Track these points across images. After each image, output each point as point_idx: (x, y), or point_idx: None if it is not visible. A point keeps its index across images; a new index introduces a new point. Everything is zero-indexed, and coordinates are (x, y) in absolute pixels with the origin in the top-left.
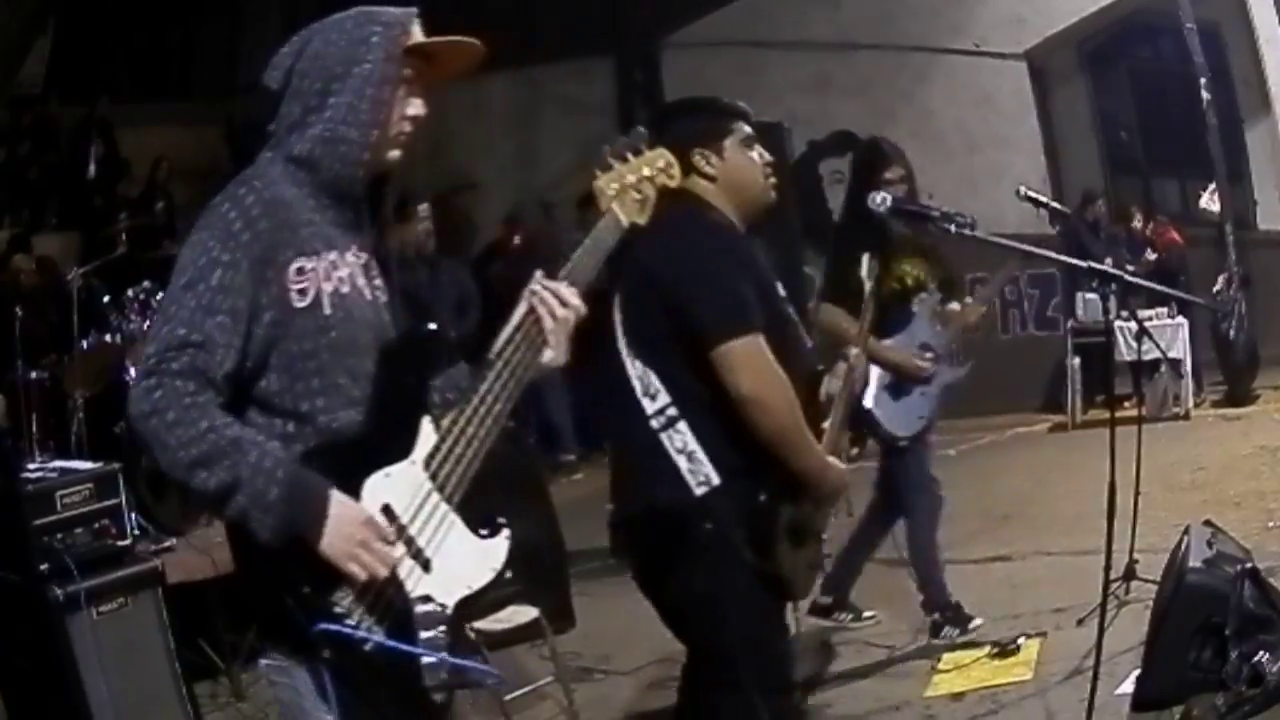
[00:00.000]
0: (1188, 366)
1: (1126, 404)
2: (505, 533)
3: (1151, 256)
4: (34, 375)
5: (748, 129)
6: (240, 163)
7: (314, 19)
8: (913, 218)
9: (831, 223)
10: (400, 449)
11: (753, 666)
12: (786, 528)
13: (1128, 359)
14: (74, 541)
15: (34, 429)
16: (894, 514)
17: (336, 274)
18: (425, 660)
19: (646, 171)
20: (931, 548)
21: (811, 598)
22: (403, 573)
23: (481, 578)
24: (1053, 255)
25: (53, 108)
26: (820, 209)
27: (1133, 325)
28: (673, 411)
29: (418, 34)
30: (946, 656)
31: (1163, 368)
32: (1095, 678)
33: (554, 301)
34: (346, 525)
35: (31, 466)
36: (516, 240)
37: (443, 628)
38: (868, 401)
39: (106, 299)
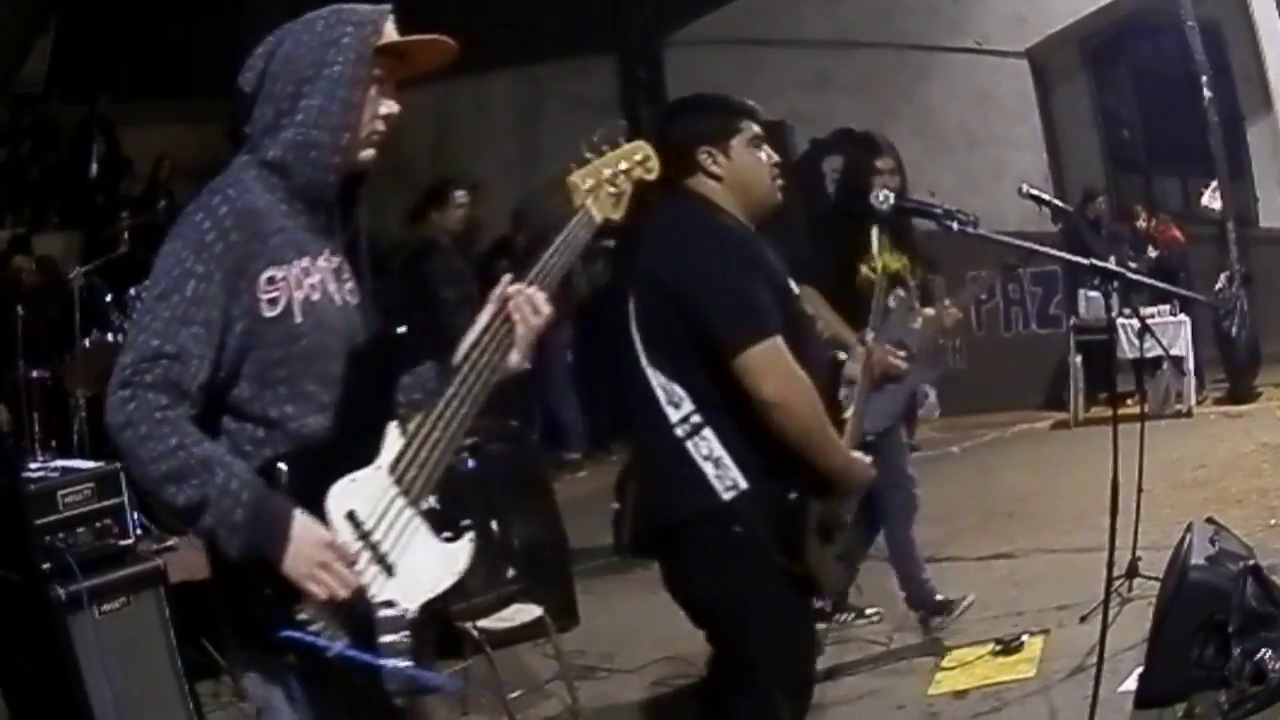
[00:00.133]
0: (1190, 364)
1: (1129, 401)
2: (469, 535)
3: (1153, 254)
4: (35, 374)
5: (756, 128)
6: None
7: None
8: (915, 215)
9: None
10: (366, 454)
11: (782, 669)
12: (815, 525)
13: (1130, 356)
14: (76, 541)
15: (36, 428)
16: (875, 512)
17: (307, 281)
18: (382, 668)
19: (623, 165)
20: (908, 544)
21: None
22: (366, 579)
23: (445, 581)
24: (1055, 253)
25: (54, 106)
26: (823, 207)
27: (1135, 323)
28: (697, 419)
29: (391, 32)
30: (950, 654)
31: (1165, 365)
32: (1098, 675)
33: (528, 309)
34: (309, 547)
35: (33, 466)
36: (521, 238)
37: (405, 632)
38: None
39: (108, 298)
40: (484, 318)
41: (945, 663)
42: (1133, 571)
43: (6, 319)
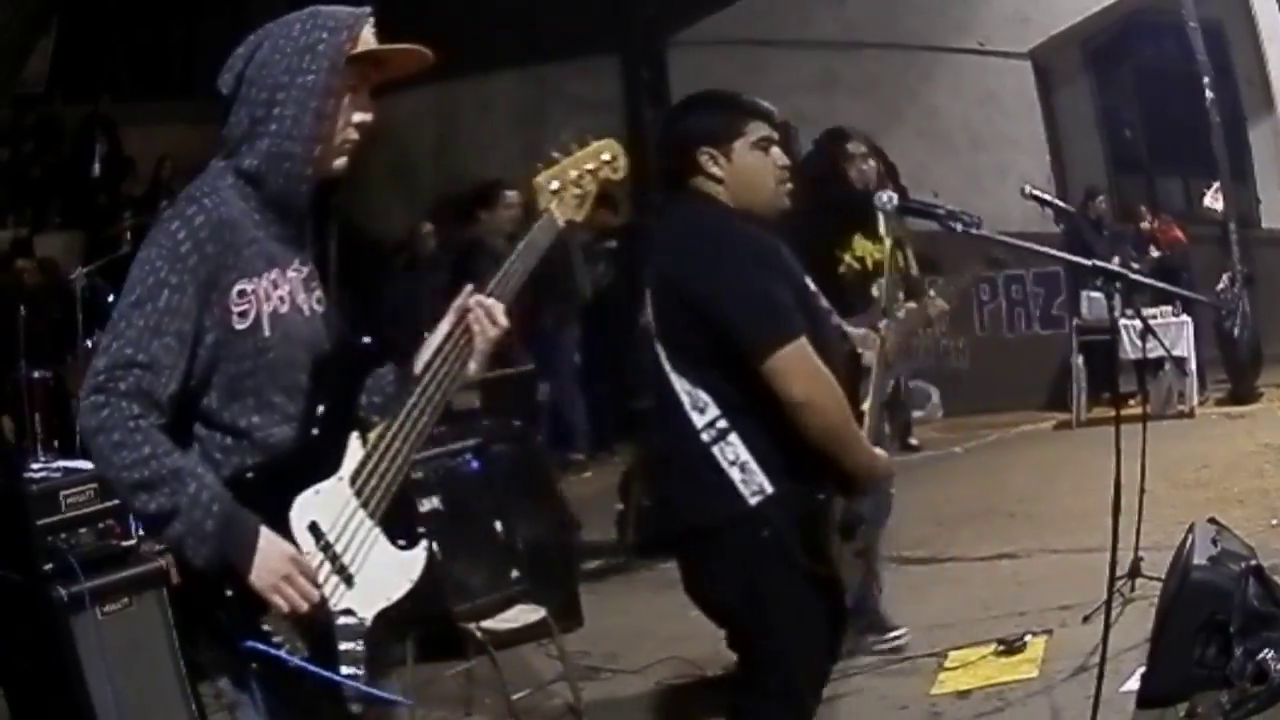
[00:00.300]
0: (1192, 364)
1: (1131, 402)
2: (423, 544)
3: (1156, 254)
4: (37, 375)
5: (764, 130)
6: None
7: None
8: (919, 216)
9: None
10: (329, 465)
11: (806, 671)
12: (838, 524)
13: (1132, 357)
14: (78, 541)
15: (38, 429)
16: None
17: (276, 293)
18: (339, 681)
19: (589, 166)
20: (875, 545)
21: None
22: (327, 589)
23: (399, 589)
24: (1058, 254)
25: (56, 107)
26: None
27: (1137, 323)
28: (723, 424)
29: (368, 38)
30: (953, 654)
31: (1167, 365)
32: (1101, 675)
33: (486, 321)
34: (273, 561)
35: (35, 466)
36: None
37: (361, 641)
38: None
39: (110, 298)
40: (444, 327)
41: (948, 663)
42: (1135, 572)
43: (9, 319)
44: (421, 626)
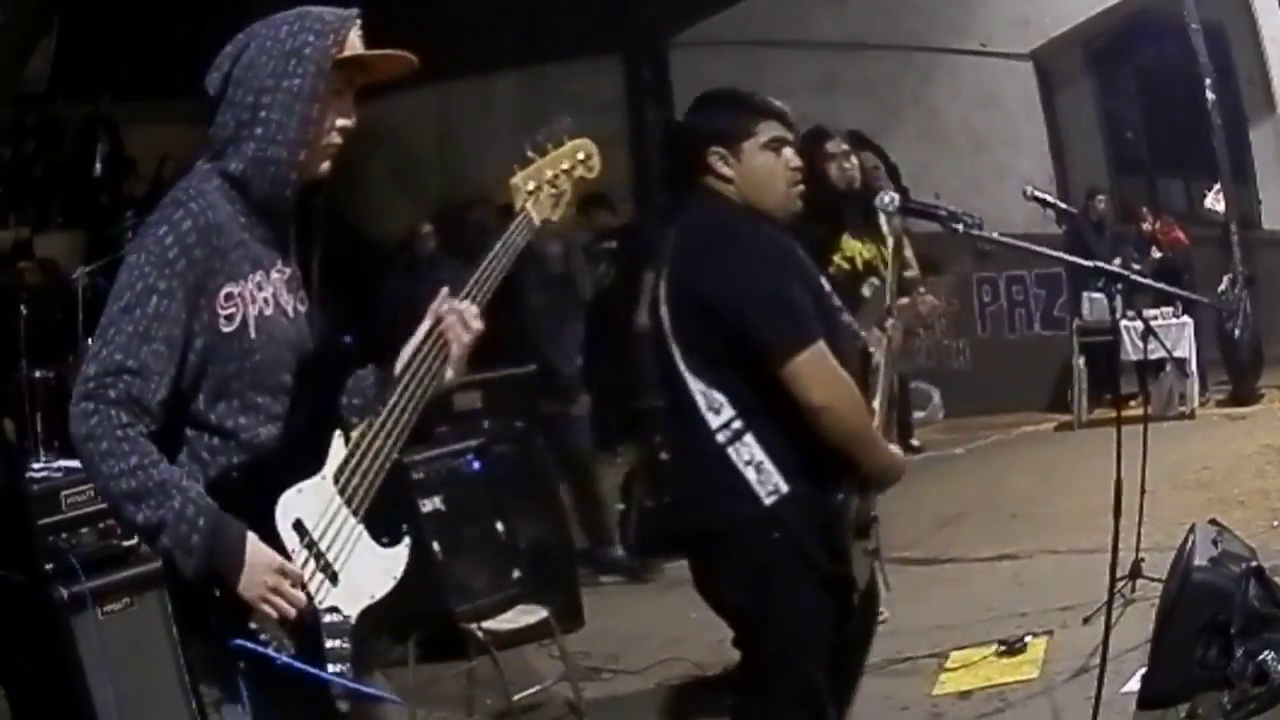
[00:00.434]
0: (1193, 365)
1: (1132, 403)
2: (406, 540)
3: (1157, 255)
4: (39, 375)
5: (777, 130)
6: None
7: None
8: (921, 217)
9: None
10: (313, 463)
11: (817, 672)
12: (853, 523)
13: (1133, 358)
14: (79, 541)
15: (39, 429)
16: None
17: (261, 295)
18: (326, 678)
19: (565, 165)
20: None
21: None
22: (312, 587)
23: (384, 586)
24: (1060, 255)
25: (57, 106)
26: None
27: (1138, 324)
28: (738, 424)
29: (354, 41)
30: (954, 655)
31: (1168, 367)
32: (1101, 676)
33: (459, 327)
34: (261, 572)
35: (36, 466)
36: None
37: (347, 638)
38: None
39: None
40: (421, 330)
41: (949, 663)
42: (1136, 573)
43: (10, 319)
44: (423, 627)
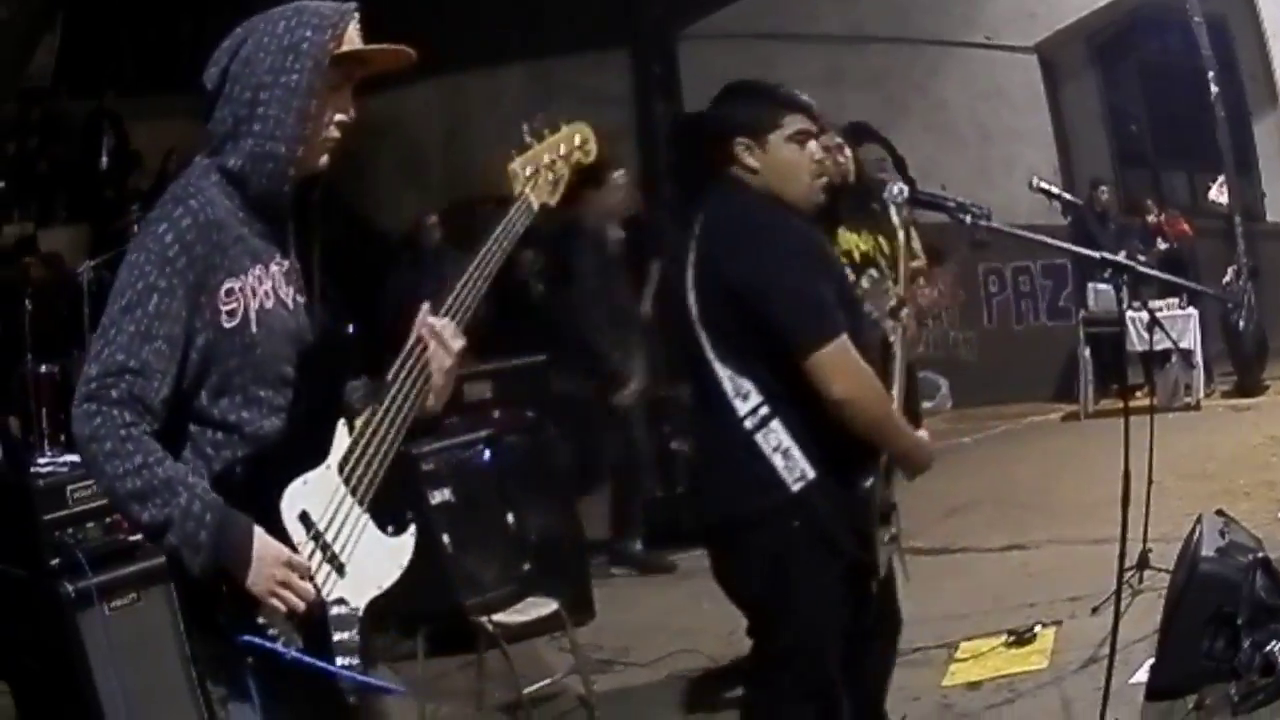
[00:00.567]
0: (1198, 357)
1: (1138, 394)
2: (411, 529)
3: (1162, 247)
4: (44, 369)
5: (802, 123)
6: None
7: None
8: (928, 208)
9: None
10: (317, 454)
11: (833, 661)
12: (877, 510)
13: (1139, 349)
14: (85, 536)
15: (44, 424)
16: None
17: (261, 289)
18: (334, 671)
19: (563, 150)
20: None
21: None
22: (319, 579)
23: (390, 576)
24: (1067, 246)
25: (62, 101)
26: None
27: (1144, 315)
28: (765, 410)
29: (353, 35)
30: (964, 645)
31: (1173, 358)
32: (1110, 666)
33: (441, 353)
34: (269, 566)
35: (42, 461)
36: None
37: (354, 630)
38: None
39: None
40: (409, 344)
41: (959, 654)
42: (1143, 563)
43: (14, 314)
44: (432, 621)
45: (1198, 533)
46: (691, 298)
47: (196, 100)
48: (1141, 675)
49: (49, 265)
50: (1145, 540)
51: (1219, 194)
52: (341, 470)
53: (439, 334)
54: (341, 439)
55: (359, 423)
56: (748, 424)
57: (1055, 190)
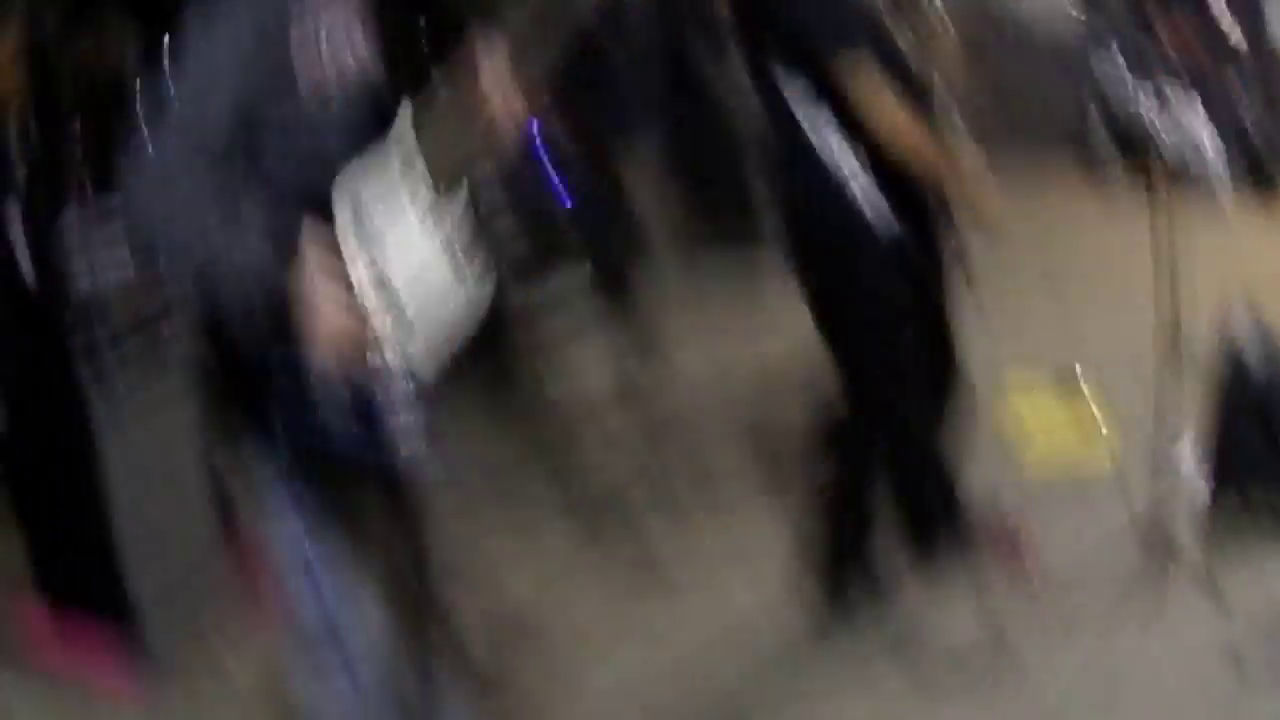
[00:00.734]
0: (1212, 154)
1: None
2: (485, 274)
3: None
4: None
5: None
6: None
7: None
8: None
9: None
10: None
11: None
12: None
13: (1151, 132)
14: (109, 322)
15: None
16: None
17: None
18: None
19: None
20: None
21: None
22: (382, 328)
23: (459, 324)
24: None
25: None
26: None
27: (1154, 99)
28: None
29: None
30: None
31: (1184, 149)
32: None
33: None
34: (327, 310)
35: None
36: None
37: (416, 383)
38: None
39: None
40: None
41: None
42: (1177, 341)
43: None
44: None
45: (1230, 322)
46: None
47: None
48: (1186, 457)
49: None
50: (1179, 321)
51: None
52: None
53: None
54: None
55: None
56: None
57: None
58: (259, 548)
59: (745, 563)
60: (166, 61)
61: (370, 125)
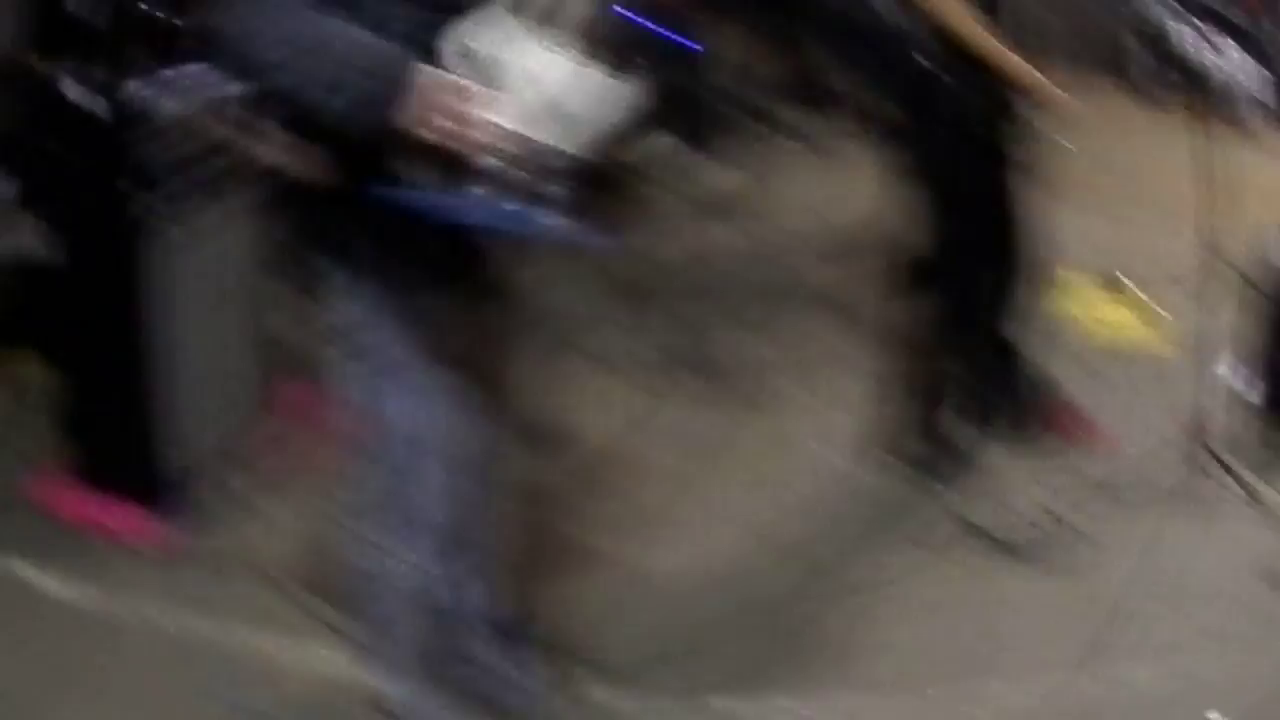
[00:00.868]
0: (1250, 88)
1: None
2: (626, 76)
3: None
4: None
5: None
6: None
7: None
8: None
9: None
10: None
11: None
12: None
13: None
14: (168, 146)
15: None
16: None
17: None
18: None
19: None
20: None
21: None
22: (500, 113)
23: (609, 118)
24: None
25: None
26: None
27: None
28: None
29: None
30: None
31: (1224, 79)
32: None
33: None
34: (435, 93)
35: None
36: None
37: (565, 180)
38: None
39: None
40: None
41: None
42: (1215, 258)
43: None
44: None
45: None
46: None
47: None
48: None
49: None
50: (1216, 239)
51: None
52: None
53: None
54: None
55: None
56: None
57: None
58: (310, 396)
59: (823, 418)
60: None
61: None
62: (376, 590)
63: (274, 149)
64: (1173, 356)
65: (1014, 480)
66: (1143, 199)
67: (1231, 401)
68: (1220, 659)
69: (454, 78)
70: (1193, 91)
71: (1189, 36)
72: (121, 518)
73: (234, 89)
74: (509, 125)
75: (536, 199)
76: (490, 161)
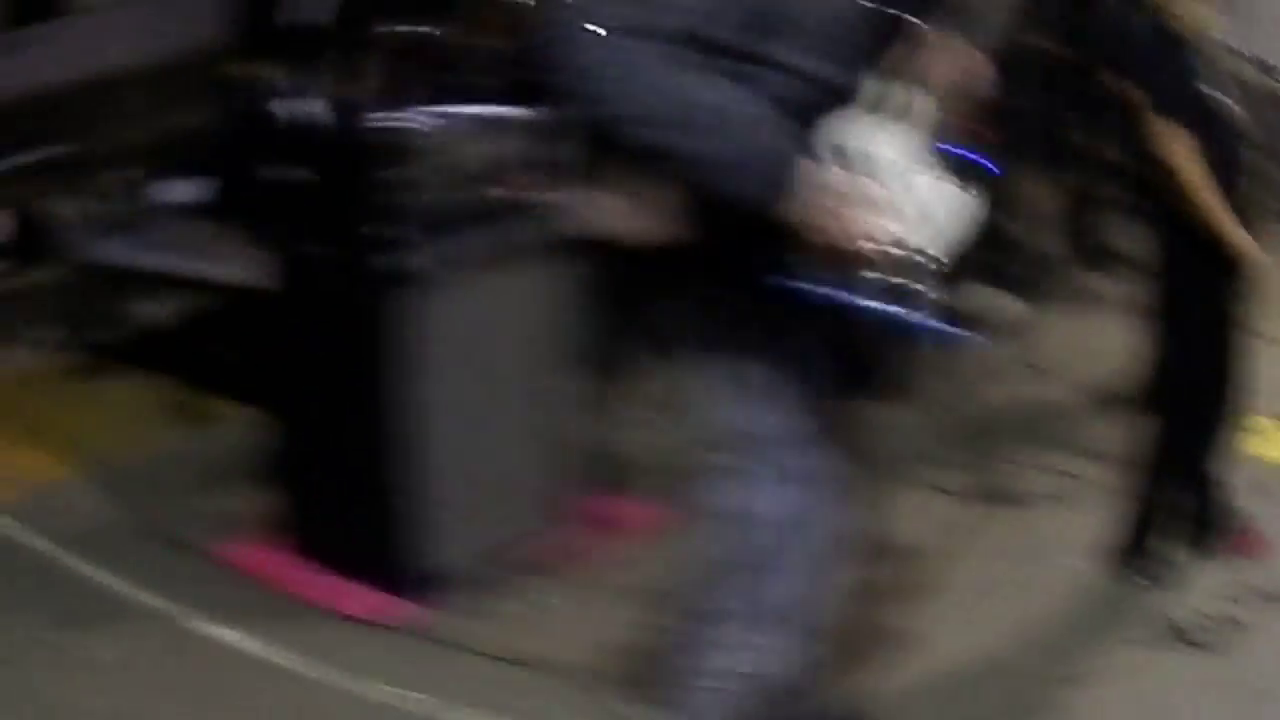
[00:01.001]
0: None
1: None
2: (972, 187)
3: None
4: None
5: None
6: None
7: None
8: None
9: None
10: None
11: None
12: None
13: None
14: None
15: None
16: None
17: None
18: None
19: None
20: None
21: None
22: (896, 225)
23: (963, 227)
24: None
25: None
26: None
27: None
28: None
29: None
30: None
31: None
32: None
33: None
34: (826, 189)
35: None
36: None
37: (931, 280)
38: None
39: None
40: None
41: None
42: None
43: None
44: None
45: None
46: None
47: None
48: None
49: None
50: None
51: None
52: (877, 111)
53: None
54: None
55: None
56: None
57: None
58: (608, 506)
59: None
60: None
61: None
62: (701, 683)
63: (614, 213)
64: None
65: (1202, 586)
66: None
67: None
68: None
69: (847, 175)
70: None
71: None
72: (352, 597)
73: (521, 131)
74: (895, 229)
75: (917, 300)
76: (877, 263)
